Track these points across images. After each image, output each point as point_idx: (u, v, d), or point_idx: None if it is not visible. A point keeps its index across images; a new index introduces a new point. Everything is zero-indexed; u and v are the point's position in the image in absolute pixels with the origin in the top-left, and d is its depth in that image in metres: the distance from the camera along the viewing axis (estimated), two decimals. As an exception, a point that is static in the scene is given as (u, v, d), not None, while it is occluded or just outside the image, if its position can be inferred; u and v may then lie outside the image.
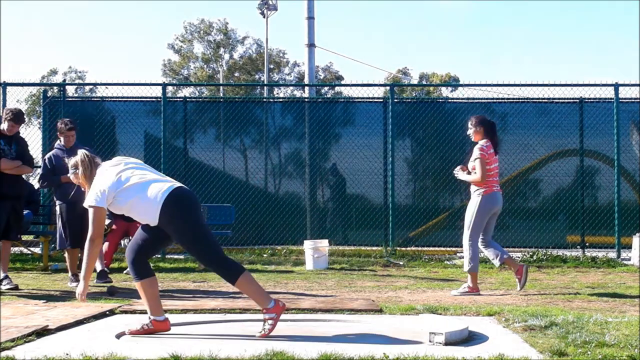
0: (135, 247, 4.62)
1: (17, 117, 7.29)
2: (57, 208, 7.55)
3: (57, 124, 7.83)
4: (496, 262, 7.12)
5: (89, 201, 4.52)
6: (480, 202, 7.00)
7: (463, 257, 7.21)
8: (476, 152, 7.06)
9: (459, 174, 7.20)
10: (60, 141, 7.73)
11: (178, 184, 4.62)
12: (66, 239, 7.44)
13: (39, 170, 8.29)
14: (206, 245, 4.55)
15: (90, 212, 4.51)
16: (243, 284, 4.55)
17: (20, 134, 7.52)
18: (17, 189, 7.26)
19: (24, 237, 10.53)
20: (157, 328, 4.56)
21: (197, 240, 4.53)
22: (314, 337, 4.49)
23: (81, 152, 4.70)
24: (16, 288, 7.08)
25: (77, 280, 7.49)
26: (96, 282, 7.20)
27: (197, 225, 4.53)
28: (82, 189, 4.74)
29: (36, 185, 10.65)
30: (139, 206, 4.51)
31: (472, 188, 7.13)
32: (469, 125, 7.22)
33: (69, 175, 4.77)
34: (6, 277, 7.16)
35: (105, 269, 7.59)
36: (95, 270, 7.37)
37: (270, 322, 4.50)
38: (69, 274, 7.58)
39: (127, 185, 4.52)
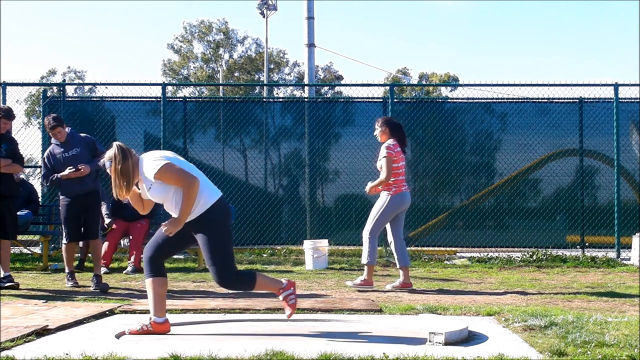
0: (155, 245, 4.62)
1: (8, 114, 7.26)
2: (60, 202, 7.56)
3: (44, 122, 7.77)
4: (398, 263, 7.34)
5: (157, 165, 4.39)
6: (389, 201, 7.18)
7: (365, 250, 7.29)
8: (383, 151, 7.21)
9: (367, 186, 7.35)
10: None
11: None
12: (65, 234, 7.43)
13: (39, 170, 8.27)
14: (224, 256, 4.56)
15: (166, 170, 4.39)
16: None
17: (11, 134, 7.50)
18: (11, 188, 7.27)
19: (24, 237, 10.51)
20: (157, 329, 4.57)
21: (218, 249, 4.53)
22: (314, 337, 4.50)
23: (115, 144, 4.52)
24: (17, 287, 7.08)
25: (73, 279, 7.49)
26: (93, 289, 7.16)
27: (227, 235, 4.58)
28: (85, 185, 4.69)
29: (37, 185, 10.66)
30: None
31: (383, 188, 7.25)
32: (375, 127, 7.42)
33: (106, 168, 4.56)
34: (8, 275, 7.17)
35: (106, 269, 7.55)
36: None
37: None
38: (66, 270, 7.54)
39: (187, 166, 4.54)
